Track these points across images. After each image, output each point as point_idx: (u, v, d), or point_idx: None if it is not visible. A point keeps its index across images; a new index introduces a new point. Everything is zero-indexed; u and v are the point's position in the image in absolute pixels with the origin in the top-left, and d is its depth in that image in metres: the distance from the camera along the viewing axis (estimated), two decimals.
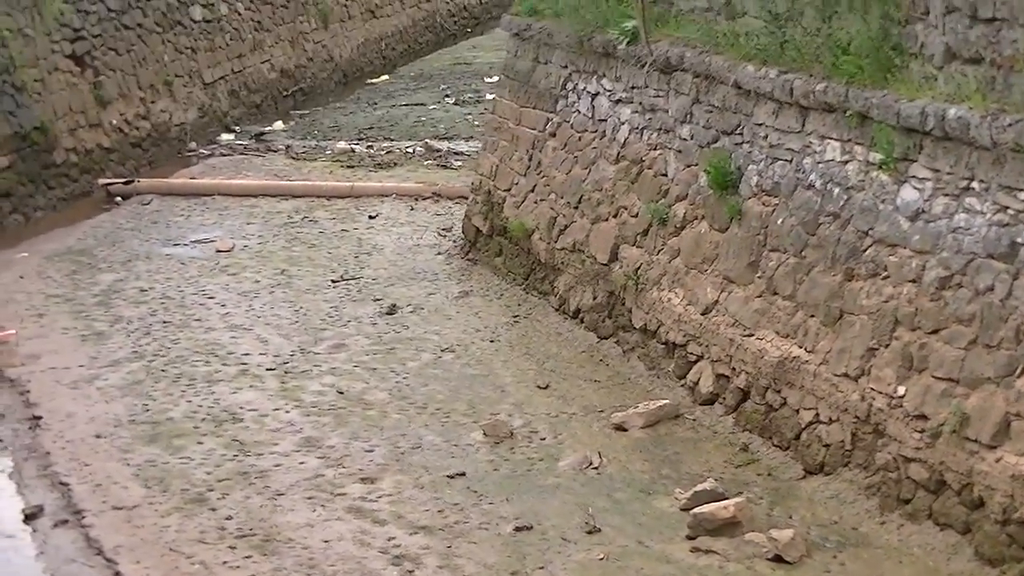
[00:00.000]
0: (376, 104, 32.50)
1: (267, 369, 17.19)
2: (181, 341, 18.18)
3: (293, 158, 27.57)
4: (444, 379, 16.72)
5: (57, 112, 25.12)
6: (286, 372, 17.08)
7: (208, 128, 29.47)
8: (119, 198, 25.06)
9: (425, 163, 26.89)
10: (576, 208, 18.59)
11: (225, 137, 29.56)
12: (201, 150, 28.66)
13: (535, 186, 19.73)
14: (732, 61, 15.77)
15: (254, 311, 19.28)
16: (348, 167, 26.78)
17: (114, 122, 26.64)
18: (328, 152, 27.85)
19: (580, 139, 18.93)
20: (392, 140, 28.83)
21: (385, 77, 36.01)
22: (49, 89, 25.05)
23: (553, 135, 19.56)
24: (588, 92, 18.91)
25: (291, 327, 18.62)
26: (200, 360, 17.47)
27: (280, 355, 17.61)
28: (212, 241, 22.50)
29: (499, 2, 45.15)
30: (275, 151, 28.23)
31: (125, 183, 25.23)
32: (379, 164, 26.80)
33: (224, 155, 28.11)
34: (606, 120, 18.48)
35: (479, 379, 16.69)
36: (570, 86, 19.38)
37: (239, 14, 31.45)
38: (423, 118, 30.60)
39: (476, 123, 29.90)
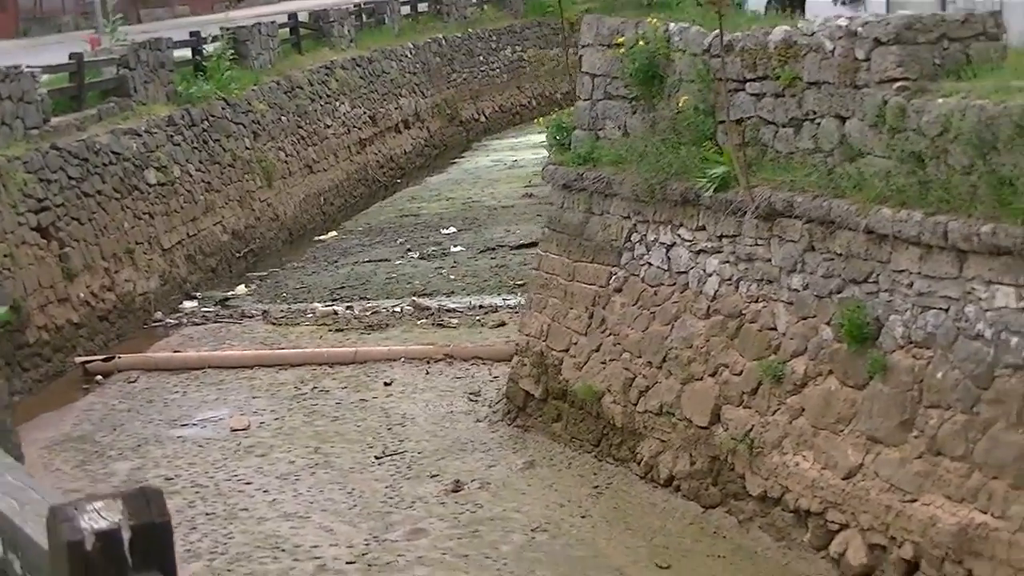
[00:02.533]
0: (336, 262, 31.00)
1: (347, 562, 15.59)
2: (235, 535, 16.50)
3: (274, 324, 25.93)
4: (550, 564, 15.25)
5: (27, 288, 23.29)
6: (369, 565, 15.49)
7: (170, 296, 27.77)
8: (99, 376, 23.19)
9: (418, 323, 25.44)
10: (660, 368, 17.26)
11: (188, 305, 27.86)
12: (167, 320, 26.90)
13: (600, 345, 18.38)
14: (859, 204, 14.63)
15: (303, 496, 17.64)
16: (337, 331, 25.23)
17: (81, 295, 24.88)
18: (309, 315, 26.26)
19: (656, 293, 17.66)
20: (369, 299, 27.28)
21: (333, 234, 34.56)
22: (18, 264, 23.25)
23: (619, 290, 18.27)
24: (661, 243, 17.69)
25: (352, 512, 17.02)
26: (267, 556, 15.82)
27: (353, 545, 16.01)
28: (222, 419, 20.80)
29: (421, 151, 44.19)
30: (251, 317, 26.56)
31: (105, 360, 23.40)
32: (369, 326, 25.28)
33: (197, 324, 26.38)
34: (687, 272, 17.25)
35: (590, 562, 15.24)
36: (635, 237, 18.16)
37: (190, 176, 29.89)
38: (393, 275, 29.16)
39: (451, 277, 28.58)
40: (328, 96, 38.69)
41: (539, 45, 55.56)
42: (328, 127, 38.15)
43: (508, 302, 26.37)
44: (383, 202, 38.72)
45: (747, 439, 15.70)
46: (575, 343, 18.84)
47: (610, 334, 18.28)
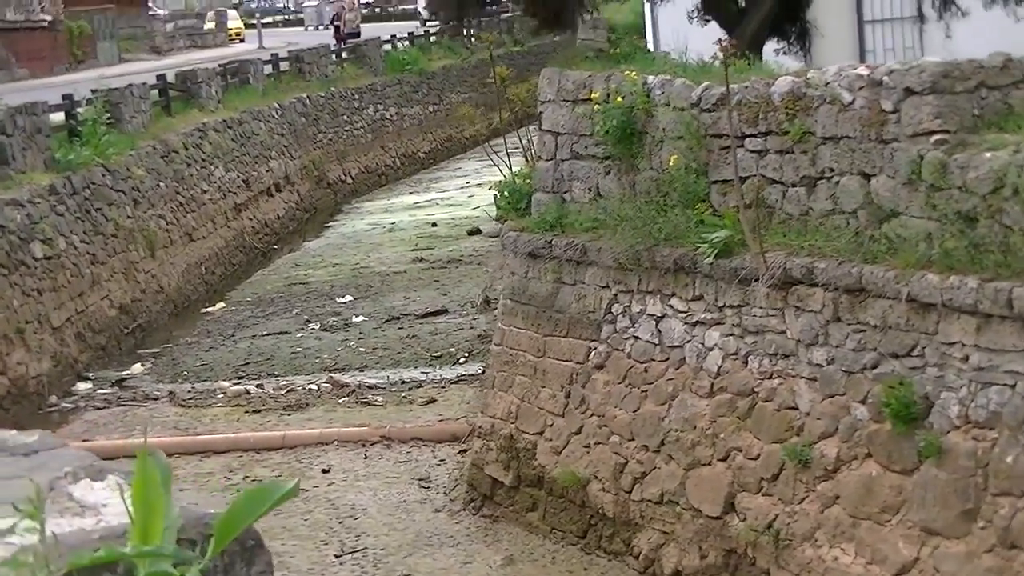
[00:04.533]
0: (232, 336, 29.10)
1: None
2: None
3: (183, 406, 24.01)
4: None
5: None
6: None
7: (63, 377, 25.72)
8: None
9: (340, 400, 23.72)
10: (657, 452, 15.84)
11: (82, 386, 25.81)
12: (63, 404, 24.82)
13: (582, 427, 16.91)
14: (896, 270, 13.35)
15: None
16: (254, 412, 23.42)
17: None
18: (220, 395, 24.39)
19: (646, 370, 16.24)
20: (278, 376, 25.48)
21: (221, 305, 32.63)
22: None
23: (601, 367, 16.81)
24: (649, 315, 16.29)
25: None
26: None
27: None
28: None
29: (293, 215, 42.50)
30: (155, 399, 24.59)
31: None
32: (288, 406, 23.52)
33: (98, 408, 24.36)
34: (682, 346, 15.87)
35: None
36: (617, 309, 16.73)
37: (75, 248, 27.86)
38: (297, 348, 27.39)
39: (361, 350, 26.90)
40: (203, 160, 36.86)
41: (400, 103, 54.35)
42: (205, 192, 36.29)
43: (431, 376, 24.76)
44: (264, 270, 36.88)
45: (771, 530, 14.28)
46: (551, 425, 17.33)
47: (593, 415, 16.80)
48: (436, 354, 26.15)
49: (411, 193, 48.12)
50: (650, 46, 29.26)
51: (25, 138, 28.03)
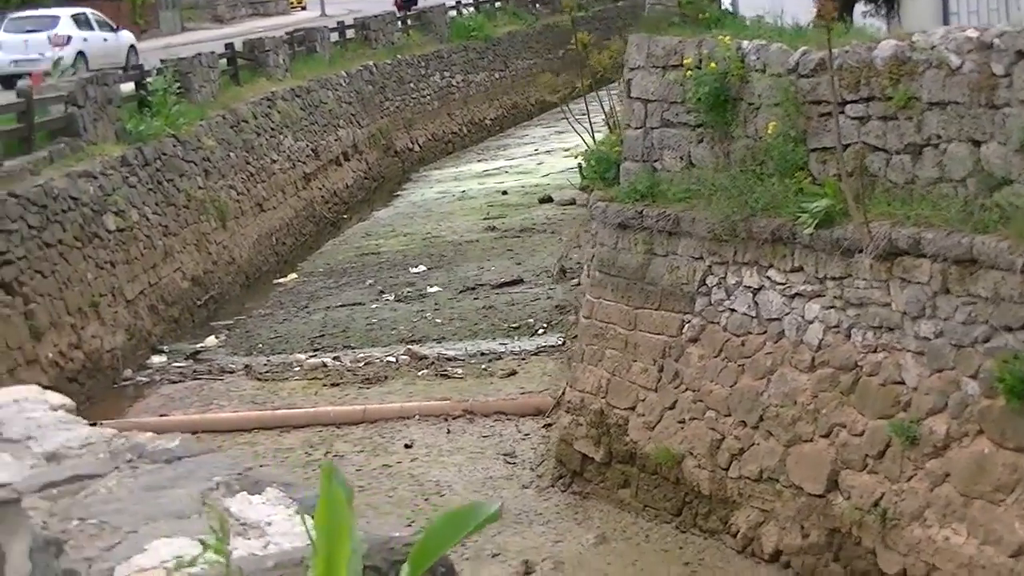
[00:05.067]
0: (306, 308, 28.78)
1: None
2: None
3: (259, 379, 23.71)
4: None
5: None
6: None
7: (137, 351, 25.47)
8: None
9: (419, 373, 23.34)
10: (756, 428, 15.36)
11: (156, 360, 25.56)
12: (137, 378, 24.59)
13: (676, 402, 16.46)
14: (1010, 240, 12.81)
15: None
16: (333, 385, 23.08)
17: (50, 356, 22.60)
18: (296, 369, 24.07)
19: (743, 343, 15.77)
20: (354, 348, 25.14)
21: (293, 276, 32.32)
22: None
23: (695, 340, 16.35)
24: (746, 287, 15.81)
25: None
26: None
27: None
28: None
29: (361, 185, 42.16)
30: (231, 372, 24.30)
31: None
32: (367, 379, 23.16)
33: (174, 381, 24.10)
34: (780, 319, 15.39)
35: None
36: (712, 281, 16.25)
37: (148, 220, 27.62)
38: (373, 320, 27.03)
39: (438, 321, 26.51)
40: (272, 129, 36.55)
41: (466, 70, 53.93)
42: (274, 162, 35.98)
43: (510, 347, 24.37)
44: (335, 240, 36.56)
45: (877, 509, 13.80)
46: (643, 400, 16.89)
47: (687, 390, 16.34)
48: (514, 325, 25.76)
49: (479, 161, 47.70)
50: (728, 9, 28.57)
51: (96, 109, 27.79)
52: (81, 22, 40.62)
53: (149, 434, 4.66)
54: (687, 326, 16.47)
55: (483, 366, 23.46)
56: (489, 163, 46.66)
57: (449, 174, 45.39)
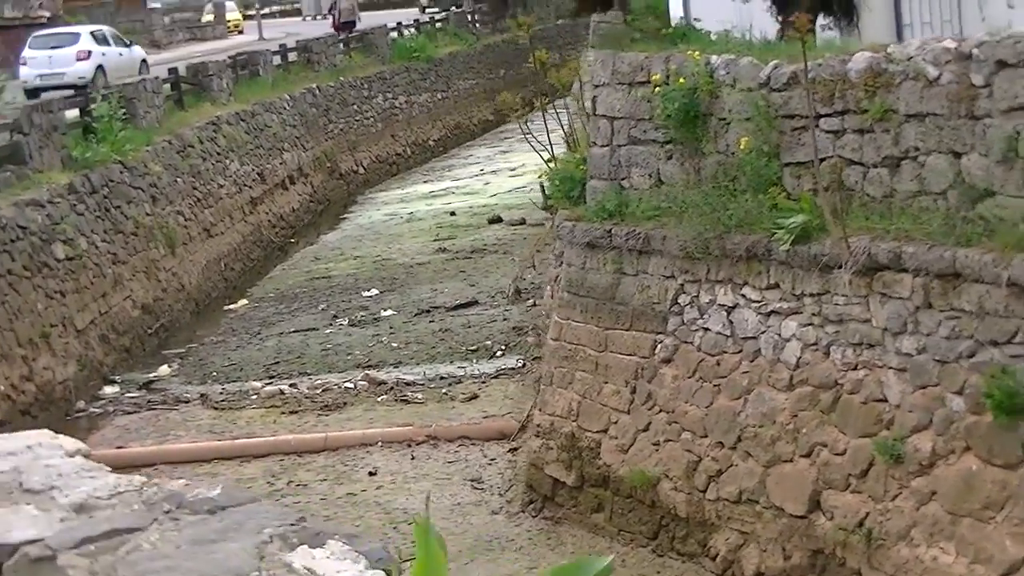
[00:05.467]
0: (259, 334, 28.36)
1: None
2: None
3: (215, 408, 23.29)
4: None
5: None
6: None
7: (89, 382, 25.00)
8: None
9: (378, 399, 22.99)
10: (733, 449, 15.11)
11: (109, 391, 25.09)
12: (91, 409, 24.09)
13: (649, 424, 16.20)
14: (994, 253, 12.63)
15: None
16: (291, 413, 22.70)
17: (1, 388, 22.04)
18: (253, 396, 23.67)
19: (718, 363, 15.52)
20: (310, 375, 24.76)
21: (244, 302, 31.88)
22: None
23: (668, 361, 16.10)
24: (720, 305, 15.56)
25: None
26: None
27: None
28: None
29: (307, 208, 41.78)
30: (186, 402, 23.86)
31: None
32: (326, 406, 22.80)
33: (128, 412, 23.61)
34: (756, 337, 15.15)
35: None
36: (684, 299, 15.99)
37: (97, 248, 27.14)
38: (328, 345, 26.65)
39: (394, 345, 26.17)
40: (218, 154, 36.12)
41: (409, 91, 53.66)
42: (221, 187, 35.55)
43: (469, 371, 24.06)
44: (284, 264, 36.15)
45: (862, 529, 13.57)
46: (615, 422, 16.62)
47: (661, 411, 16.08)
48: (472, 348, 25.47)
49: (425, 182, 47.40)
50: (686, 23, 28.39)
51: (42, 136, 27.32)
52: (99, 39, 42.92)
53: (183, 481, 4.32)
54: (659, 346, 16.21)
55: (443, 390, 23.15)
56: (435, 184, 46.37)
57: (395, 196, 45.07)
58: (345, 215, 43.13)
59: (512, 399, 22.18)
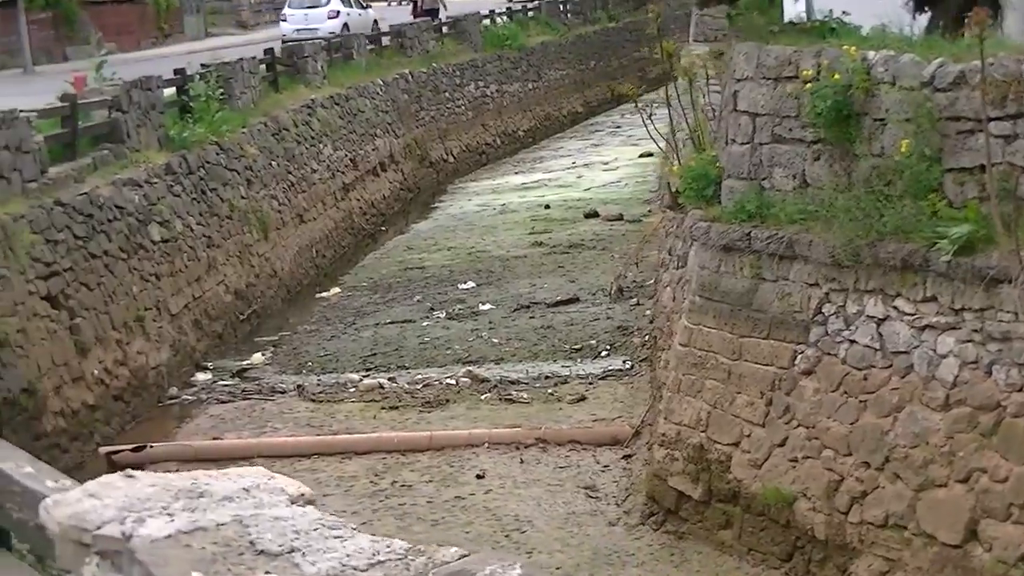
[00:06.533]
0: (353, 324, 27.58)
1: None
2: None
3: (312, 400, 22.50)
4: None
5: (41, 368, 19.78)
6: None
7: (181, 368, 24.30)
8: (129, 470, 19.53)
9: (482, 397, 22.13)
10: (880, 470, 14.13)
11: (200, 377, 24.38)
12: (183, 396, 23.39)
13: (786, 439, 15.25)
14: None
15: None
16: (391, 408, 21.89)
17: (95, 373, 21.43)
18: (351, 390, 22.89)
19: (865, 378, 14.55)
20: (409, 369, 23.95)
21: (336, 290, 31.13)
22: (30, 340, 19.76)
23: (809, 373, 15.14)
24: (868, 316, 14.58)
25: None
26: None
27: None
28: None
29: (398, 196, 41.04)
30: (282, 392, 23.10)
31: (135, 451, 19.86)
32: (427, 402, 21.98)
33: (223, 401, 22.87)
34: (909, 352, 14.14)
35: None
36: (829, 309, 15.02)
37: (192, 230, 26.44)
38: (425, 339, 25.83)
39: (495, 341, 25.33)
40: (312, 138, 35.41)
41: (500, 80, 52.84)
42: (314, 171, 34.83)
43: (574, 371, 23.19)
44: (375, 252, 35.40)
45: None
46: (748, 435, 15.68)
47: (800, 426, 15.13)
48: (575, 347, 24.62)
49: (516, 173, 46.58)
50: (790, 18, 27.34)
51: (140, 114, 26.64)
52: (345, 1, 51.71)
53: (454, 549, 3.44)
54: (800, 357, 15.26)
55: (549, 390, 22.30)
56: (527, 176, 45.55)
57: (486, 186, 44.28)
58: (435, 204, 42.39)
59: (622, 402, 21.34)
